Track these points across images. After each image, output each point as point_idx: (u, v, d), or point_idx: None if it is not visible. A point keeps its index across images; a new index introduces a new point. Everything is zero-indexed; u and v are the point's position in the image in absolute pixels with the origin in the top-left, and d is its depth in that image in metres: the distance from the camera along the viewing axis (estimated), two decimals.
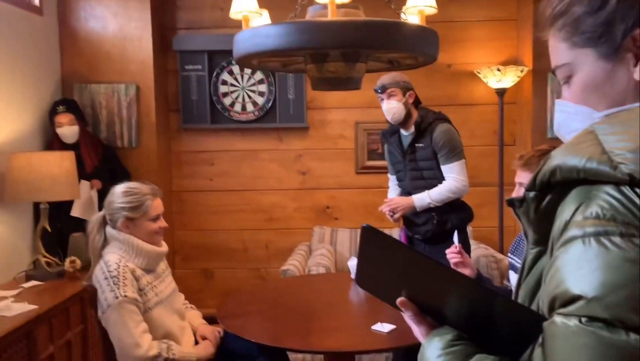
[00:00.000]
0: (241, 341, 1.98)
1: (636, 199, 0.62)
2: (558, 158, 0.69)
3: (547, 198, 0.72)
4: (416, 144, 2.78)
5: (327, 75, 1.95)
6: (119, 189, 2.08)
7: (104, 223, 2.09)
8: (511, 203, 0.79)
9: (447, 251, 2.01)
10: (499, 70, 3.61)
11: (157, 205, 2.10)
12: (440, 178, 2.75)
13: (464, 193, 2.75)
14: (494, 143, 3.93)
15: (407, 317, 0.86)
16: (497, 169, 3.84)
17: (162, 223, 2.12)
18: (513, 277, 2.12)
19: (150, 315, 2.01)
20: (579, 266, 0.62)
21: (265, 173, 4.13)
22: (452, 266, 2.00)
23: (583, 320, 0.61)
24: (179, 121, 4.09)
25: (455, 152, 2.73)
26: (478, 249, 3.48)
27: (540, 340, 0.70)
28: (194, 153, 4.14)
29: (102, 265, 1.99)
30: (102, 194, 3.32)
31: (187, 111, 4.06)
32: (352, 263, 2.59)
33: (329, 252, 3.66)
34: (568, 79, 0.79)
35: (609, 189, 0.64)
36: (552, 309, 0.66)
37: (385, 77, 2.78)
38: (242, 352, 2.17)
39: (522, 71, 3.64)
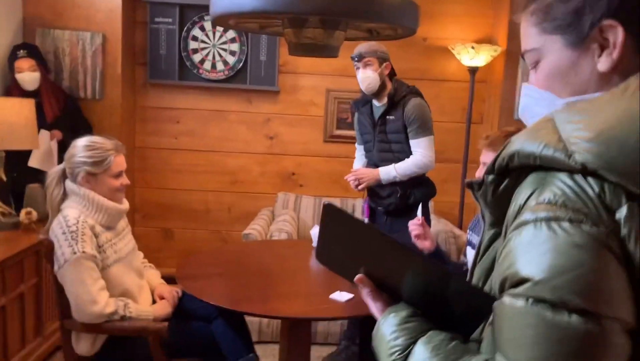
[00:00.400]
0: (199, 302, 1.98)
1: (587, 188, 0.64)
2: (517, 143, 0.71)
3: (505, 182, 0.75)
4: (387, 116, 2.78)
5: (304, 41, 1.92)
6: (81, 142, 2.01)
7: (63, 176, 2.03)
8: (470, 185, 0.81)
9: (410, 222, 2.05)
10: (472, 48, 3.62)
11: (120, 161, 2.05)
12: (407, 152, 2.77)
13: (430, 169, 2.79)
14: (462, 120, 3.98)
15: (365, 293, 0.87)
16: (462, 146, 3.89)
17: (124, 180, 2.07)
18: (470, 253, 2.17)
19: (108, 272, 1.98)
20: (529, 249, 0.65)
21: (232, 135, 4.08)
22: (413, 237, 2.04)
23: (530, 300, 0.64)
24: (146, 75, 3.97)
25: (425, 127, 2.74)
26: (438, 224, 3.56)
27: (490, 318, 0.73)
28: (160, 110, 4.04)
29: (60, 219, 1.94)
30: (62, 146, 3.23)
31: (155, 65, 3.94)
32: (315, 232, 2.60)
33: (292, 218, 3.67)
34: (535, 64, 0.80)
35: (563, 176, 0.66)
36: (502, 289, 0.69)
37: (363, 46, 2.75)
38: (200, 313, 2.18)
39: (495, 51, 3.66)
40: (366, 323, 2.37)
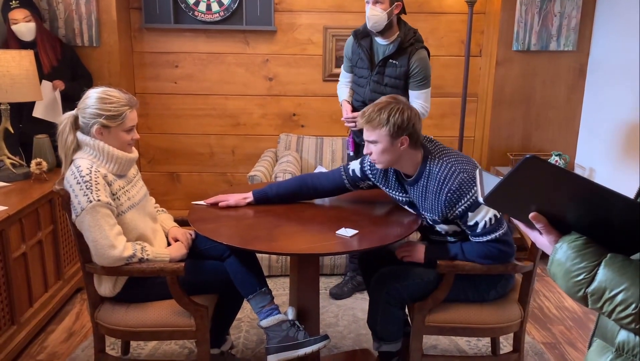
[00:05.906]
0: (211, 242, 2.08)
1: None
2: None
3: None
4: (391, 60, 2.78)
5: None
6: (96, 94, 2.04)
7: (75, 123, 2.07)
8: None
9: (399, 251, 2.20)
10: None
11: (133, 117, 2.10)
12: None
13: (424, 118, 2.87)
14: (461, 54, 3.96)
15: (539, 227, 0.99)
16: (461, 80, 3.90)
17: (135, 134, 2.13)
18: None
19: (124, 218, 2.07)
20: None
21: (231, 78, 4.08)
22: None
23: None
24: (141, 20, 3.93)
25: (427, 80, 2.81)
26: None
27: None
28: (157, 54, 4.03)
29: (73, 170, 2.01)
30: (63, 95, 3.26)
31: (149, 9, 3.89)
32: (320, 170, 2.67)
33: (295, 159, 3.73)
34: None
35: None
36: None
37: None
38: (213, 253, 2.27)
39: None
40: (364, 257, 2.49)
